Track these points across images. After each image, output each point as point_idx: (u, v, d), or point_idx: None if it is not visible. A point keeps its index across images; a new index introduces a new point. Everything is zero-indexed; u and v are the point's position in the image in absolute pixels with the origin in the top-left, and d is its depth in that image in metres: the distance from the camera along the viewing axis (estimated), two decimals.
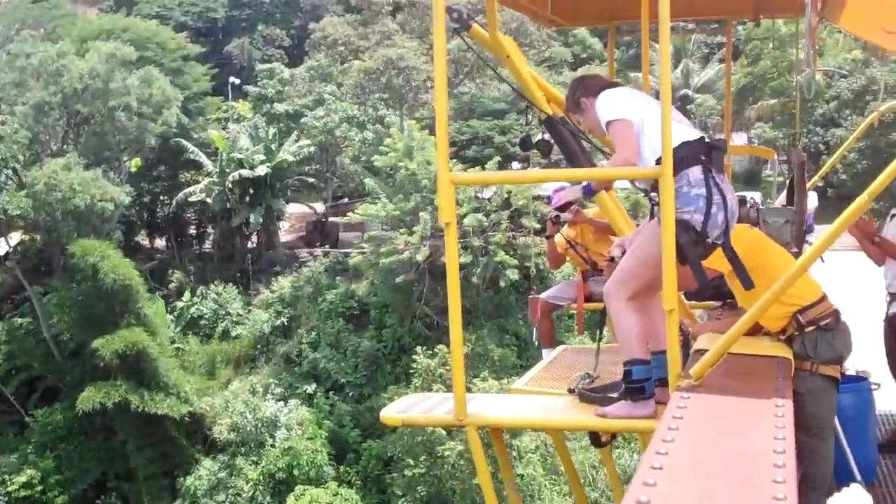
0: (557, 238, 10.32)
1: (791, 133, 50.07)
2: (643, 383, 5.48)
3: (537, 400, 6.56)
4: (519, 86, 6.88)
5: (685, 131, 5.41)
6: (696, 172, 5.31)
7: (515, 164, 54.41)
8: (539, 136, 6.67)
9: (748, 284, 5.43)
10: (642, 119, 5.42)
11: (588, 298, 9.99)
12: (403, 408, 5.86)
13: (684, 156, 5.22)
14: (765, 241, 6.34)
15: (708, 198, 5.29)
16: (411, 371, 39.92)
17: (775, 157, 16.09)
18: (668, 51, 4.85)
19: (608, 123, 5.49)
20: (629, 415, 5.49)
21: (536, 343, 10.20)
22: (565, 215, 10.00)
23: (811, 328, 5.82)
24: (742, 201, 7.68)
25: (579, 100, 5.95)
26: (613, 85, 5.97)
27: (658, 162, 5.04)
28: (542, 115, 6.48)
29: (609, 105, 5.59)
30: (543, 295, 10.27)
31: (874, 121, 12.82)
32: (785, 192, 12.11)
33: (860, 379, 7.10)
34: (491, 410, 5.61)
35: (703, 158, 5.32)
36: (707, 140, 5.40)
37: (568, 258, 10.50)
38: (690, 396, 4.26)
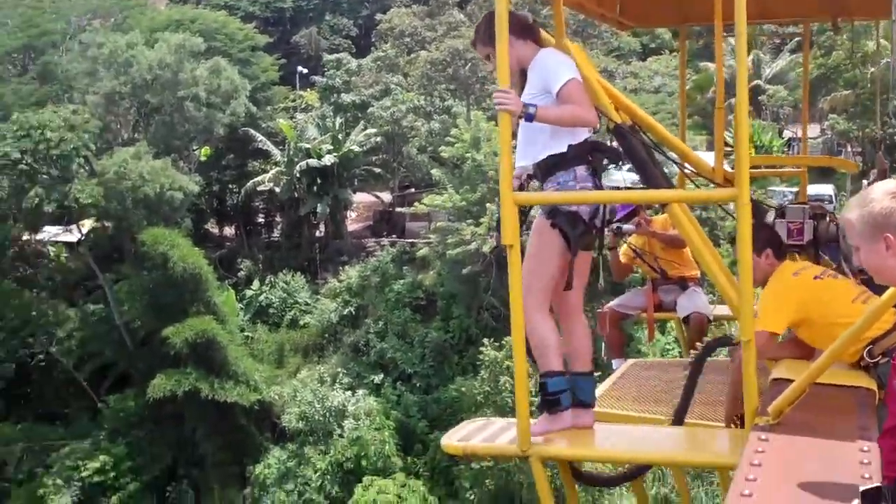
0: (622, 248, 10.15)
1: (872, 133, 49.06)
2: (559, 395, 5.52)
3: (606, 429, 6.39)
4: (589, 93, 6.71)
5: (579, 132, 5.71)
6: (581, 170, 5.66)
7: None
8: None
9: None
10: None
11: (658, 307, 9.83)
12: (465, 435, 5.73)
13: (573, 156, 5.63)
14: (826, 289, 6.17)
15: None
16: (478, 362, 39.95)
17: (857, 168, 15.64)
18: (746, 57, 4.71)
19: (570, 80, 5.61)
20: (547, 430, 5.52)
21: (605, 356, 10.03)
22: (628, 226, 9.83)
23: (885, 359, 5.65)
24: (822, 215, 7.47)
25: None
26: (530, 26, 6.04)
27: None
28: (610, 123, 6.32)
29: (562, 64, 5.75)
30: (612, 304, 10.11)
31: None
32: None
33: None
34: (557, 440, 5.45)
35: (590, 158, 5.68)
36: (591, 141, 5.76)
37: (635, 266, 10.33)
38: (769, 438, 4.11)
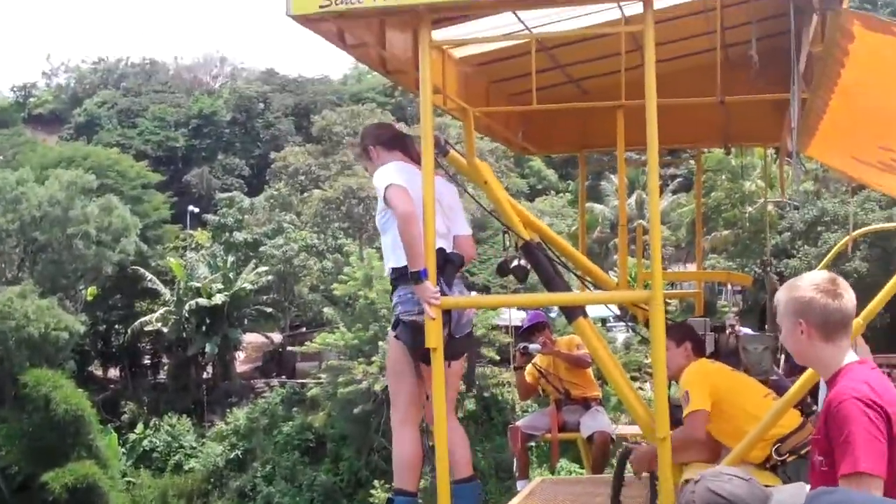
0: (528, 368, 10.23)
1: (762, 260, 50.44)
2: None
3: None
4: (496, 210, 6.85)
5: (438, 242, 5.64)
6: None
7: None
8: (515, 262, 6.59)
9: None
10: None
11: (562, 428, 9.92)
12: None
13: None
14: (740, 381, 6.41)
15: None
16: None
17: (751, 281, 16.39)
18: (657, 175, 4.92)
19: (387, 187, 5.68)
20: None
21: (516, 472, 10.10)
22: (534, 346, 9.94)
23: (792, 457, 5.78)
24: (721, 328, 7.71)
25: (367, 147, 6.27)
26: (400, 137, 6.36)
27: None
28: (519, 240, 6.42)
29: (383, 176, 5.81)
30: (519, 423, 10.28)
31: (846, 245, 13.02)
32: (758, 318, 12.23)
33: None
34: None
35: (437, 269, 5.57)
36: (445, 252, 5.76)
37: (540, 387, 10.41)
38: None
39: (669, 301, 9.69)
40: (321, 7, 4.94)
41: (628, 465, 6.71)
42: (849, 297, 3.74)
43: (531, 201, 64.68)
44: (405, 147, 6.22)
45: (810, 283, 3.79)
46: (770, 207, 50.97)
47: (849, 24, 4.42)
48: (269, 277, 55.73)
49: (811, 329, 3.72)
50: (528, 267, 6.50)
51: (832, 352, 3.75)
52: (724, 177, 52.87)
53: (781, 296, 3.85)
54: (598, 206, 56.09)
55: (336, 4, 4.91)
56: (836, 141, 6.79)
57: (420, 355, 5.56)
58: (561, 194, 70.23)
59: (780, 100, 7.46)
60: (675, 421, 5.89)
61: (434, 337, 5.18)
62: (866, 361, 3.84)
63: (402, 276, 5.73)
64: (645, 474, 6.55)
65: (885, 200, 39.70)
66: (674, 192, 63.26)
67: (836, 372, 3.74)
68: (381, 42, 5.98)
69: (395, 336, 5.68)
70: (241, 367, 59.45)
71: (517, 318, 52.78)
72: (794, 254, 47.83)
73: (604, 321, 38.05)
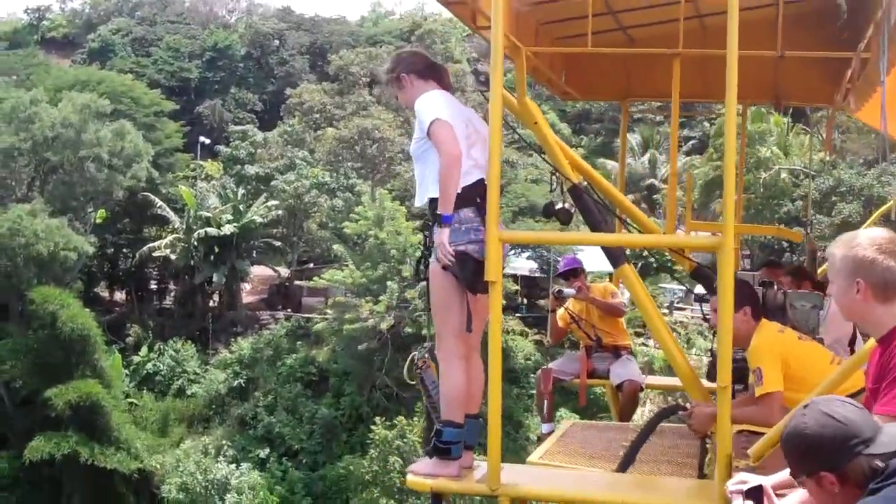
0: (560, 312, 10.29)
1: (802, 222, 50.47)
2: (451, 445, 5.63)
3: (569, 473, 6.50)
4: (546, 152, 6.91)
5: (472, 173, 5.66)
6: (467, 212, 5.60)
7: None
8: (560, 204, 6.65)
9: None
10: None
11: (591, 374, 9.99)
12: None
13: (462, 197, 5.55)
14: (808, 350, 6.32)
15: (479, 230, 5.56)
16: (368, 441, 39.63)
17: (801, 238, 16.18)
18: (734, 129, 4.94)
19: (434, 121, 5.60)
20: (432, 472, 5.66)
21: (540, 416, 10.14)
22: (569, 291, 9.96)
23: None
24: (769, 283, 7.69)
25: (400, 75, 6.11)
26: (434, 66, 6.18)
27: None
28: (567, 182, 6.49)
29: (430, 106, 5.71)
30: (549, 366, 10.21)
31: (890, 210, 12.82)
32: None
33: None
34: (525, 481, 5.57)
35: (478, 200, 5.58)
36: (484, 182, 5.60)
37: (571, 332, 10.47)
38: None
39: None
40: None
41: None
42: None
43: (543, 154, 64.61)
44: (439, 76, 6.13)
45: (870, 241, 3.72)
46: (783, 175, 50.98)
47: None
48: (279, 212, 55.86)
49: (868, 289, 3.68)
50: (573, 210, 6.57)
51: (888, 311, 3.72)
52: (739, 141, 52.86)
53: (837, 251, 3.78)
54: (610, 163, 55.97)
55: None
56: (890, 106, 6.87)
57: (469, 286, 5.57)
58: (574, 149, 69.98)
59: (838, 59, 7.57)
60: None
61: (494, 270, 5.22)
62: None
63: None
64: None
65: None
66: (687, 154, 63.21)
67: (891, 329, 3.73)
68: None
69: (443, 268, 5.56)
70: (247, 297, 59.70)
71: (524, 267, 53.07)
72: (805, 222, 47.82)
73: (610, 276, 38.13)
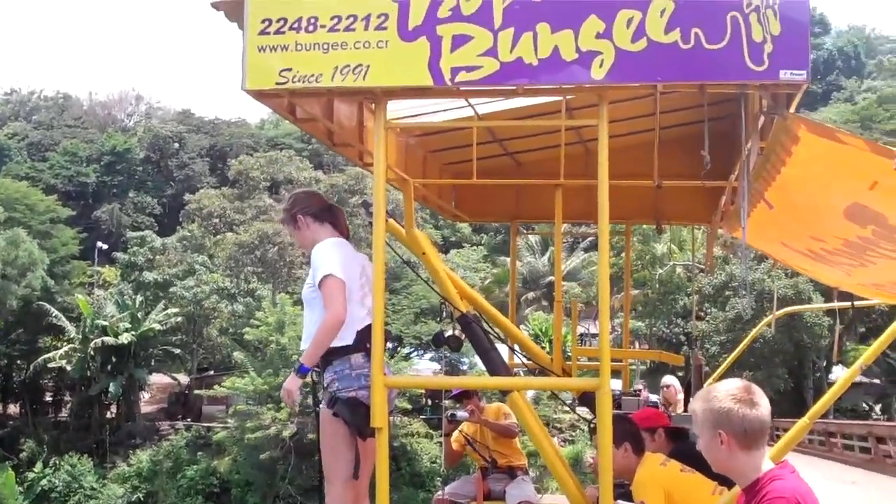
0: (455, 435, 10.19)
1: (659, 332, 51.28)
2: None
3: None
4: (434, 282, 6.88)
5: (366, 321, 5.67)
6: (357, 358, 5.69)
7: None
8: (450, 332, 6.65)
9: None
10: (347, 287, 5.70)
11: (487, 496, 9.87)
12: None
13: (353, 343, 5.68)
14: (690, 483, 6.34)
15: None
16: None
17: (682, 361, 16.38)
18: (608, 263, 4.94)
19: (327, 276, 5.65)
20: None
21: None
22: (461, 414, 9.89)
23: None
24: (654, 406, 7.77)
25: (296, 215, 6.12)
26: (330, 208, 6.21)
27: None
28: (455, 311, 6.45)
29: (326, 259, 5.76)
30: (444, 491, 10.08)
31: (769, 324, 13.22)
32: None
33: None
34: None
35: (367, 346, 5.44)
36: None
37: (466, 454, 10.37)
38: None
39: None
40: (277, 84, 4.85)
41: None
42: (764, 405, 3.79)
43: (445, 253, 64.92)
44: (335, 219, 6.17)
45: (726, 392, 3.81)
46: (678, 270, 51.96)
47: (795, 128, 4.58)
48: (179, 319, 55.04)
49: (731, 439, 3.76)
50: (463, 337, 6.54)
51: (751, 460, 3.79)
52: (634, 238, 53.95)
53: (697, 406, 3.88)
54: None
55: (292, 82, 4.85)
56: (767, 226, 6.98)
57: (359, 431, 5.54)
58: (475, 247, 70.64)
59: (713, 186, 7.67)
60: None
61: (380, 416, 5.12)
62: (786, 465, 3.84)
63: (335, 353, 5.71)
64: None
65: (790, 269, 40.56)
66: (585, 251, 64.05)
67: (755, 480, 3.78)
68: (329, 116, 5.96)
69: (334, 413, 5.60)
70: (145, 407, 58.47)
71: (427, 369, 52.84)
72: (702, 316, 48.69)
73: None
